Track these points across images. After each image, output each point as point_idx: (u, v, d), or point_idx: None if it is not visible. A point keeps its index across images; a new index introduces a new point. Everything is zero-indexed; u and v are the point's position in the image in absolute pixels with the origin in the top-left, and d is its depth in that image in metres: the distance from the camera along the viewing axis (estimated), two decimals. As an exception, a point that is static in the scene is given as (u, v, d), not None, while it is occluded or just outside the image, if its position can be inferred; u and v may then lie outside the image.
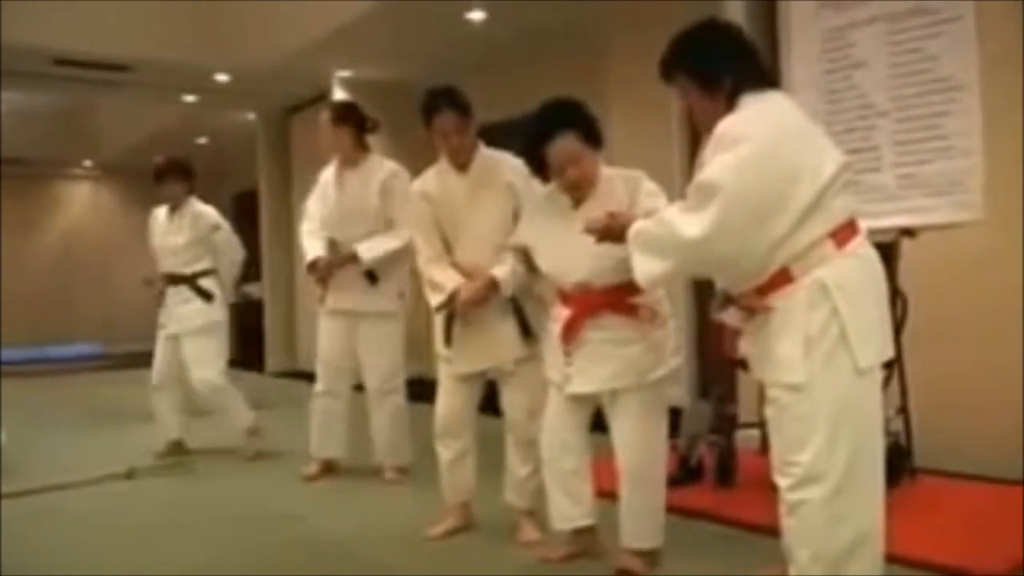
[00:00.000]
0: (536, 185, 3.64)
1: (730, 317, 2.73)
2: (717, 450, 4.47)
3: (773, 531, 3.74)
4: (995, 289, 4.36)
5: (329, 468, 5.22)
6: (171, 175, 5.86)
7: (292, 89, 10.15)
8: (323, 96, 9.95)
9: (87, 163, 15.76)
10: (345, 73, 9.59)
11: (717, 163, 2.42)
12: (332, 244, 5.04)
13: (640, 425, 3.32)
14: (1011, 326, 4.33)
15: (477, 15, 7.59)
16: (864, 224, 2.58)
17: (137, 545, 4.08)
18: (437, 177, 3.95)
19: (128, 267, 12.08)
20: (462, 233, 3.85)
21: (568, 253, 3.30)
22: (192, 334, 5.76)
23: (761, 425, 5.10)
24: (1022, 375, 4.29)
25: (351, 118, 5.10)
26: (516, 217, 3.73)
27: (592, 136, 3.31)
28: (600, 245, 3.04)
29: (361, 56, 8.95)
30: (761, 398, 5.28)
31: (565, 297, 3.38)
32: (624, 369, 3.28)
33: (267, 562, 3.79)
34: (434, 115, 3.82)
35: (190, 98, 10.65)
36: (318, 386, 5.19)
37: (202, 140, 13.31)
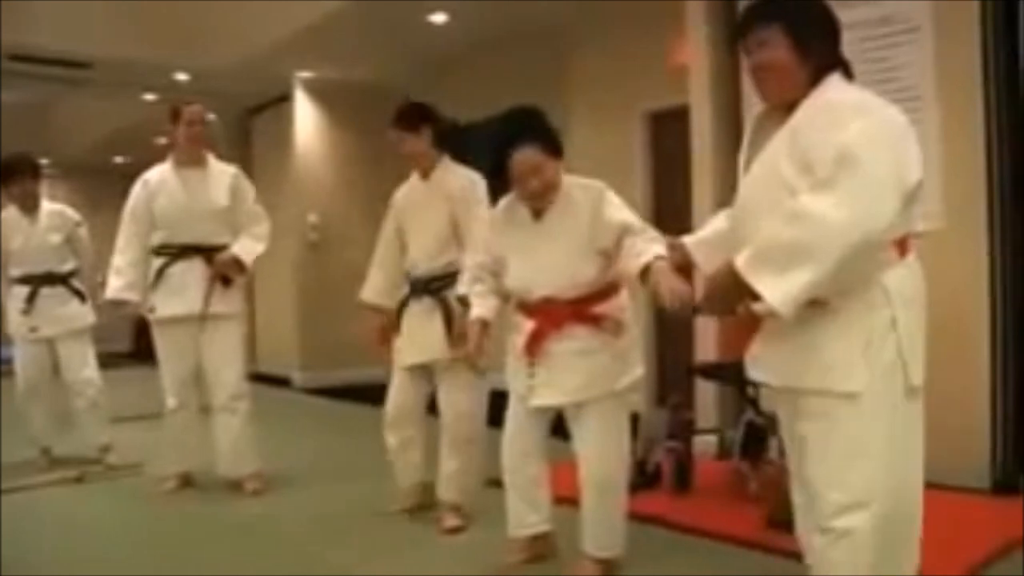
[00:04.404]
0: (482, 202, 4.02)
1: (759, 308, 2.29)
2: (674, 456, 4.47)
3: (728, 537, 3.77)
4: (957, 297, 4.38)
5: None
6: (28, 172, 5.55)
7: (253, 89, 10.07)
8: (285, 97, 9.91)
9: (44, 161, 15.50)
10: (306, 74, 9.56)
11: (852, 137, 2.09)
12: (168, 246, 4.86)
13: (604, 434, 3.31)
14: (974, 336, 4.36)
15: (439, 17, 7.57)
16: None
17: (88, 548, 4.03)
18: (406, 185, 4.34)
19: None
20: (413, 233, 4.20)
21: (533, 268, 3.28)
22: (73, 336, 5.56)
23: (719, 431, 5.14)
24: (987, 384, 4.34)
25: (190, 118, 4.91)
26: (453, 224, 4.08)
27: (553, 145, 3.28)
28: (564, 260, 3.20)
29: (322, 57, 8.92)
30: (723, 405, 5.30)
31: (528, 309, 3.35)
32: (591, 380, 3.26)
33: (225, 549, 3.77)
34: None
35: (150, 97, 10.53)
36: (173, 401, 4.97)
37: (162, 140, 13.16)
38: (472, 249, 3.88)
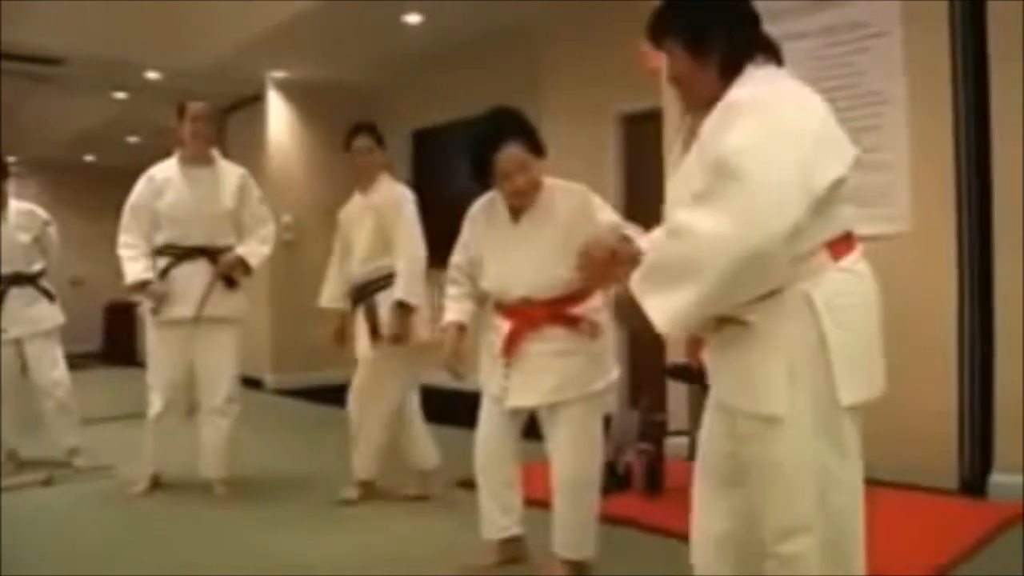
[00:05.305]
0: (406, 211, 4.51)
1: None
2: (645, 458, 4.48)
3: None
4: (924, 299, 4.42)
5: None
6: None
7: (226, 89, 10.00)
8: (258, 97, 9.86)
9: (11, 159, 15.30)
10: (279, 74, 9.51)
11: (732, 141, 1.93)
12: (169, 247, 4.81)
13: (578, 436, 3.32)
14: (940, 338, 4.40)
15: (413, 18, 7.56)
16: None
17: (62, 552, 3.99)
18: (352, 200, 4.75)
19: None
20: (352, 243, 4.65)
21: (511, 269, 3.30)
22: (42, 337, 5.48)
23: (689, 433, 5.15)
24: (955, 385, 4.38)
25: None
26: (381, 233, 4.52)
27: (537, 145, 3.31)
28: (542, 261, 3.21)
29: (296, 57, 8.88)
30: (694, 407, 5.32)
31: (506, 311, 3.36)
32: (566, 382, 3.27)
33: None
34: (352, 138, 4.65)
35: (120, 95, 10.44)
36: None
37: (133, 139, 13.06)
38: (398, 255, 4.43)
